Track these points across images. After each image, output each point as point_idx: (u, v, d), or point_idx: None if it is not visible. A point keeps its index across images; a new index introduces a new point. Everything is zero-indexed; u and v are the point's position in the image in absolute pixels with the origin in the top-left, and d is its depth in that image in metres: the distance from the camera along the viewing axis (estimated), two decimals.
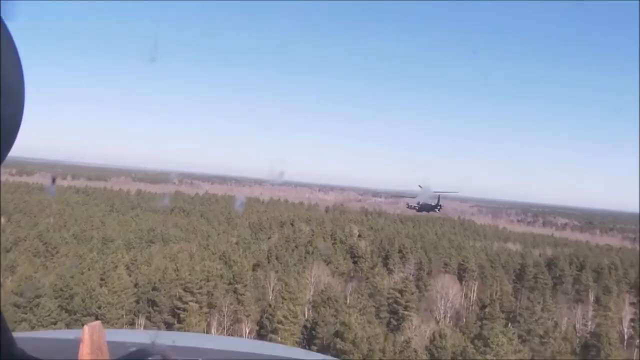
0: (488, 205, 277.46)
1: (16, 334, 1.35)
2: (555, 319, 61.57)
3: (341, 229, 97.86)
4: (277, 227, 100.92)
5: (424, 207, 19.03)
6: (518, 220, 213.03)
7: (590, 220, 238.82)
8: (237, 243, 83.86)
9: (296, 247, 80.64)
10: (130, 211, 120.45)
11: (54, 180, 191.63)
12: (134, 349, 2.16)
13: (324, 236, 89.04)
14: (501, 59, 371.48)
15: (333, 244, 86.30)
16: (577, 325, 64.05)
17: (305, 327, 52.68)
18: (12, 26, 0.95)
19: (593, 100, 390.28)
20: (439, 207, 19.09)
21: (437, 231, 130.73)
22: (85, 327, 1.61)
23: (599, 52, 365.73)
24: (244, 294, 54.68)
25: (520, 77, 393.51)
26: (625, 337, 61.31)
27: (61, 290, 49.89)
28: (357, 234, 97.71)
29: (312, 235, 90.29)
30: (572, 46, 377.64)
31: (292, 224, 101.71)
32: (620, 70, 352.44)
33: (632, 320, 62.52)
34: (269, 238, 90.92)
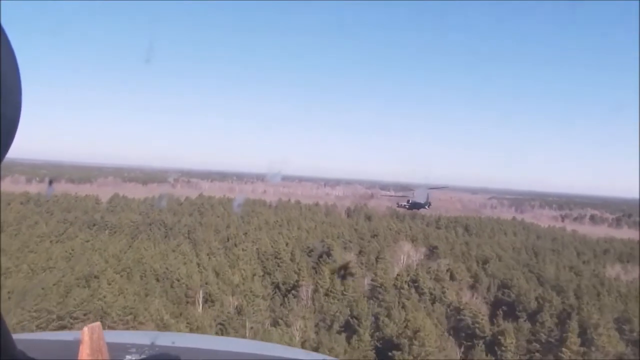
0: (502, 196, 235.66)
1: (16, 336, 1.28)
2: None
3: (425, 269, 51.75)
4: (305, 260, 56.70)
5: (414, 205, 16.98)
6: (562, 217, 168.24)
7: (627, 212, 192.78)
8: (239, 310, 39.78)
9: (356, 319, 36.72)
10: (84, 230, 76.21)
11: (50, 182, 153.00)
12: (134, 350, 2.08)
13: (400, 284, 44.59)
14: (515, 46, 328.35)
15: (419, 298, 41.95)
16: None
17: None
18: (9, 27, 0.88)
19: (590, 88, 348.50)
20: (428, 205, 17.27)
21: (514, 243, 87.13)
22: (85, 328, 1.53)
23: (620, 37, 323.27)
24: None
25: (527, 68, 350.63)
26: None
27: None
28: (446, 269, 52.12)
29: (374, 279, 46.15)
30: (591, 31, 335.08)
31: (328, 254, 57.41)
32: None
33: None
34: (295, 288, 46.73)
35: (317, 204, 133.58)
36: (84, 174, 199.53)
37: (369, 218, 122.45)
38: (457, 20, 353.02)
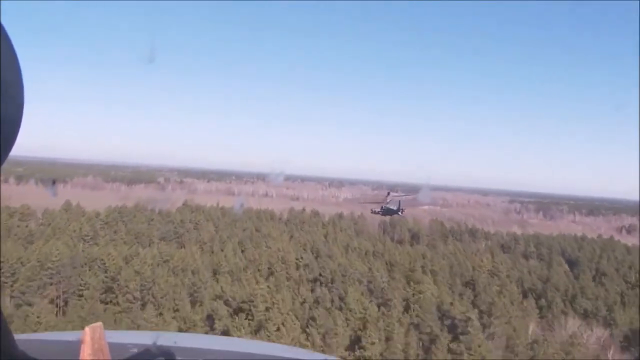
0: (519, 199, 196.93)
1: (17, 336, 1.22)
2: None
3: None
4: None
5: (387, 212, 14.55)
6: (627, 229, 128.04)
7: None
8: None
9: None
10: None
11: (54, 182, 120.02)
12: (135, 350, 2.00)
13: None
14: (521, 46, 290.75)
15: None
16: None
17: None
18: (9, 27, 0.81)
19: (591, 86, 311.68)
20: (401, 211, 14.62)
21: None
22: (86, 328, 1.47)
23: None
24: None
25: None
26: None
27: None
28: None
29: None
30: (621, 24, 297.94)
31: None
32: None
33: None
34: None
35: (340, 216, 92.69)
36: (62, 172, 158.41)
37: (416, 237, 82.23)
38: (465, 20, 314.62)
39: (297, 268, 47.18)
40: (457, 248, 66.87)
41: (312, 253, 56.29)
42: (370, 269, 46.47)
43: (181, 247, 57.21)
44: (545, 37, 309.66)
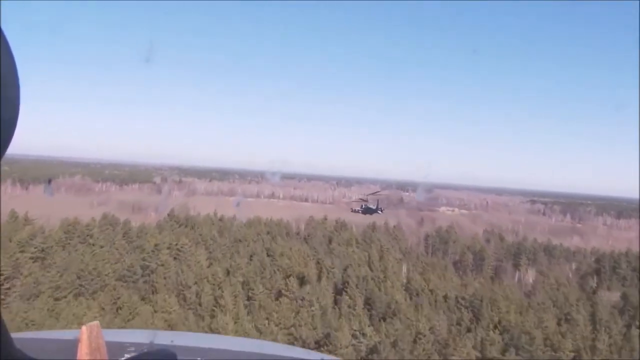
0: (538, 199, 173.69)
1: (14, 335, 1.21)
2: None
3: None
4: None
5: (367, 210, 14.39)
6: None
7: None
8: None
9: None
10: None
11: (49, 181, 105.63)
12: (133, 348, 1.93)
13: None
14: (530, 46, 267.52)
15: None
16: None
17: None
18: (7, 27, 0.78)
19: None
20: (380, 210, 14.45)
21: None
22: (84, 327, 1.42)
23: None
24: None
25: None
26: None
27: None
28: None
29: None
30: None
31: None
32: None
33: None
34: None
35: (373, 227, 69.10)
36: (48, 171, 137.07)
37: (478, 259, 59.46)
38: (472, 20, 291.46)
39: (355, 347, 24.23)
40: (565, 285, 43.80)
41: (360, 293, 33.44)
42: (482, 350, 23.25)
43: (152, 293, 34.32)
44: (559, 36, 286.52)
